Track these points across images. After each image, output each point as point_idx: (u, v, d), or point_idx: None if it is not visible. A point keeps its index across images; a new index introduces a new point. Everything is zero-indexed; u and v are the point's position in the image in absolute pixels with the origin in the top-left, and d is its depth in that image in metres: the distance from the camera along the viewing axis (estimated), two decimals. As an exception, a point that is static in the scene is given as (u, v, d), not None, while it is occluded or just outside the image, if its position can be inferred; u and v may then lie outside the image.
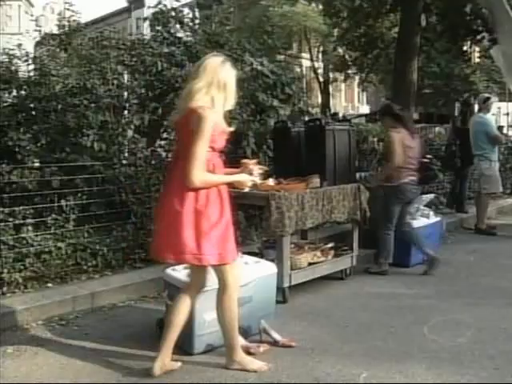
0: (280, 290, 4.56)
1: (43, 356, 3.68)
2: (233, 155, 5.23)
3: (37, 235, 4.90)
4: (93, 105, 5.90)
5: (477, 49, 24.15)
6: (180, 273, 3.78)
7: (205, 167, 3.17)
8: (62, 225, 5.12)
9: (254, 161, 3.65)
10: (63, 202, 5.20)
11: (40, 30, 8.75)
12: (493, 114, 9.44)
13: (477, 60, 26.18)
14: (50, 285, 4.75)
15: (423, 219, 6.19)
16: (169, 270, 3.94)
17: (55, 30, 8.39)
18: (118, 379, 3.35)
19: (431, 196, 6.94)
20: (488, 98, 8.17)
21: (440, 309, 4.62)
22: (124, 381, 3.33)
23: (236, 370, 3.43)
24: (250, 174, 3.49)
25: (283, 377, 3.38)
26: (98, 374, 3.43)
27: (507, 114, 13.51)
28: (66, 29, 8.13)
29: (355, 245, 5.54)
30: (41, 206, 5.12)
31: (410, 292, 5.14)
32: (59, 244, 4.93)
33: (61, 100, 5.86)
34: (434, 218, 6.33)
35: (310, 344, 3.85)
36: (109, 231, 5.37)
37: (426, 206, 6.48)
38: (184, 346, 3.70)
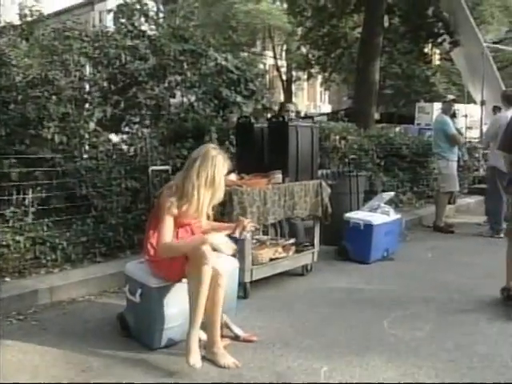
0: (241, 285, 4.56)
1: (0, 351, 3.61)
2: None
3: (-6, 228, 4.80)
4: (54, 96, 5.79)
5: (437, 51, 24.59)
6: (140, 267, 3.76)
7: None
8: (20, 218, 5.03)
9: (249, 220, 3.93)
10: (22, 195, 5.11)
11: (-1, 20, 8.56)
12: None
13: (437, 62, 26.63)
14: (7, 279, 4.66)
15: (383, 216, 6.27)
16: (129, 265, 3.91)
17: (16, 20, 8.21)
18: (76, 374, 3.31)
19: (391, 194, 7.05)
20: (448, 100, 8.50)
21: (399, 303, 4.70)
22: (83, 375, 3.30)
23: (209, 360, 3.45)
24: (243, 229, 3.78)
25: (244, 371, 3.39)
26: (57, 368, 3.38)
27: (465, 116, 13.82)
28: (28, 18, 7.96)
29: (316, 241, 5.58)
30: (-1, 198, 5.02)
31: (369, 287, 5.22)
32: (18, 237, 4.85)
33: (21, 91, 5.75)
34: (393, 216, 6.42)
35: (271, 338, 3.88)
36: (69, 225, 5.30)
37: (386, 203, 6.58)
38: (144, 340, 3.68)
